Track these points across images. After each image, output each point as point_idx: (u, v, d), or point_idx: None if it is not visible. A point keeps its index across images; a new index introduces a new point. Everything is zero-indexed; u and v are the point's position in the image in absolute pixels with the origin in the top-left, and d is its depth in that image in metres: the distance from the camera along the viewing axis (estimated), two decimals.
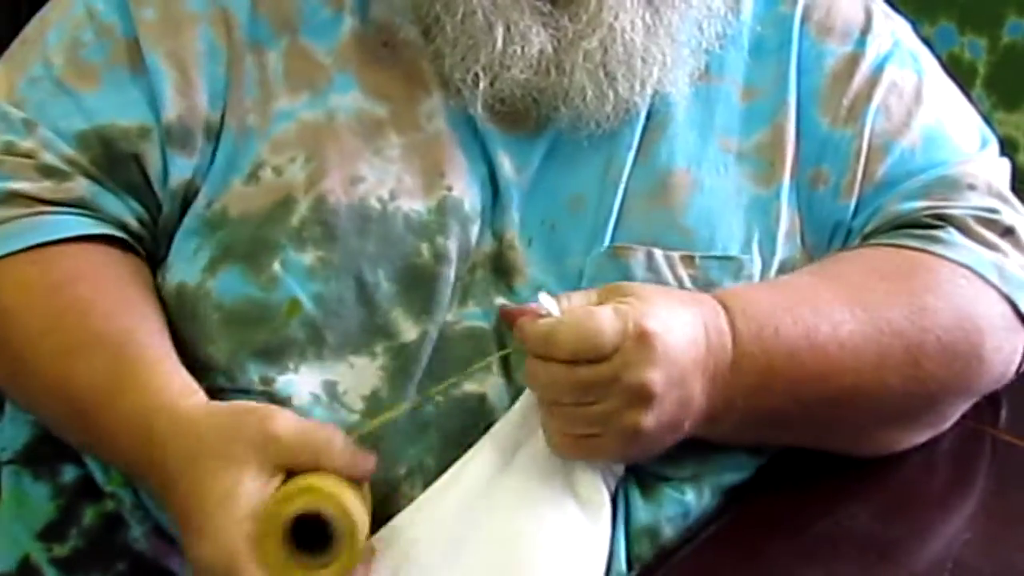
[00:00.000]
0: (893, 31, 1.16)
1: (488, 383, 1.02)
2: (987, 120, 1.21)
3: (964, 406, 1.11)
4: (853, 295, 1.04)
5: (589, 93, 1.04)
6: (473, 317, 1.04)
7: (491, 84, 1.03)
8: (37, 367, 1.01)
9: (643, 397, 0.94)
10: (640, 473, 1.03)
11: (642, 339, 0.94)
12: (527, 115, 1.06)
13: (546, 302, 0.96)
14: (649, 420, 0.95)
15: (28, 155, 1.04)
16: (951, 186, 1.11)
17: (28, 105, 1.06)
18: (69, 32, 1.07)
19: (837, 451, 1.08)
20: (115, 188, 1.05)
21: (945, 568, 1.00)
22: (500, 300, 1.05)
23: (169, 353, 1.00)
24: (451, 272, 1.03)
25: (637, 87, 1.05)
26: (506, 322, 1.02)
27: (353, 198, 1.03)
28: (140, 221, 1.05)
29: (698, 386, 0.97)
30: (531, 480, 0.98)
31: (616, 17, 1.04)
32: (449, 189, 1.04)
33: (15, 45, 1.11)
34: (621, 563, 1.02)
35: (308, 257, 1.02)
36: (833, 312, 1.03)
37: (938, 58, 1.20)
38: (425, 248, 1.03)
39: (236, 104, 1.05)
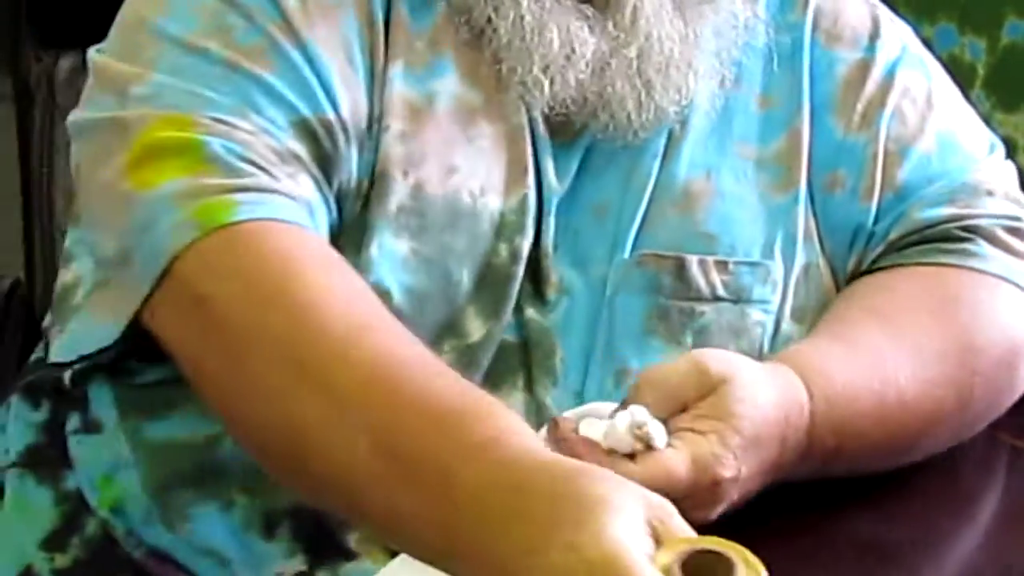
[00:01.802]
0: (900, 36, 1.17)
1: (512, 398, 1.02)
2: (986, 121, 1.21)
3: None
4: (911, 348, 1.05)
5: (629, 102, 1.04)
6: (508, 328, 1.04)
7: (551, 86, 1.03)
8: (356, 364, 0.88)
9: (701, 525, 0.93)
10: None
11: (713, 488, 0.93)
12: (569, 123, 1.06)
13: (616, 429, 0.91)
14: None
15: (252, 133, 0.96)
16: (972, 192, 1.13)
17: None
18: (201, 20, 1.00)
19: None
20: (327, 192, 0.99)
21: (946, 571, 1.00)
22: (531, 311, 1.04)
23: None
24: (521, 271, 1.03)
25: (674, 95, 1.06)
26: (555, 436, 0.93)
27: (448, 189, 1.02)
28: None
29: (759, 482, 0.97)
30: None
31: (652, 25, 1.04)
32: (528, 187, 1.04)
33: (116, 46, 1.03)
34: None
35: (403, 246, 1.01)
36: (899, 377, 1.03)
37: (938, 59, 1.21)
38: (504, 248, 1.03)
39: (374, 93, 1.02)
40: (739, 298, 1.07)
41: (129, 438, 1.04)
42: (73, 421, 1.07)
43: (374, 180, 1.01)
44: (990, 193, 1.14)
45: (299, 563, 1.01)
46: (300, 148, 0.98)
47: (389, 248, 1.01)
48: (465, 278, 1.02)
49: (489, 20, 1.04)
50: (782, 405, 0.98)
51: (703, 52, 1.08)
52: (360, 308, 0.92)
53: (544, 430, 0.95)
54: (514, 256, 1.03)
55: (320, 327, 0.89)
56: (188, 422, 1.02)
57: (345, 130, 1.00)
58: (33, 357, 1.14)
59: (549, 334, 1.05)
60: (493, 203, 1.03)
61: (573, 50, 1.03)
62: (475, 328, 1.02)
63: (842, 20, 1.16)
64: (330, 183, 1.00)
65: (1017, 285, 1.11)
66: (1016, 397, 1.11)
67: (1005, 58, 1.86)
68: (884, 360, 1.04)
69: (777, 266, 1.09)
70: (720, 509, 0.95)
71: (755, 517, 0.97)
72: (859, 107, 1.13)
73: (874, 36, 1.15)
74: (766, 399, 0.97)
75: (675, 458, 0.92)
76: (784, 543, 1.01)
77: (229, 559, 1.01)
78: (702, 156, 1.10)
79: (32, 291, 1.36)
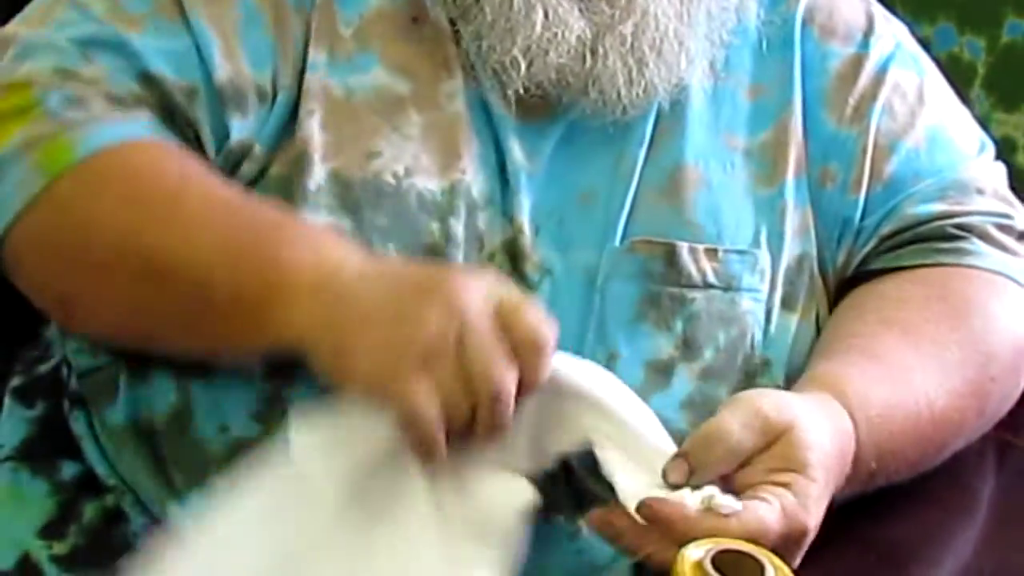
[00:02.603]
0: (894, 33, 1.18)
1: None
2: (986, 120, 1.22)
3: None
4: (935, 358, 1.06)
5: (620, 78, 1.05)
6: None
7: (528, 68, 1.03)
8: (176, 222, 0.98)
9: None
10: None
11: (801, 539, 0.94)
12: (544, 103, 1.06)
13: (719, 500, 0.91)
14: None
15: (91, 82, 1.01)
16: (962, 190, 1.14)
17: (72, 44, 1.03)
18: None
19: None
20: (175, 136, 1.03)
21: (945, 569, 1.00)
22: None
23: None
24: (459, 255, 1.03)
25: (665, 73, 1.06)
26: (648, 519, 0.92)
27: (368, 172, 1.03)
28: None
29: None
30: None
31: (651, 3, 1.05)
32: (463, 172, 1.04)
33: (25, 11, 1.08)
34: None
35: (321, 221, 1.02)
36: (928, 389, 1.04)
37: (936, 59, 1.22)
38: (436, 228, 1.03)
39: (285, 67, 1.04)
40: (729, 286, 1.08)
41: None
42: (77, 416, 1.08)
43: (295, 158, 1.03)
44: (980, 191, 1.15)
45: None
46: (145, 95, 1.02)
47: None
48: (392, 255, 1.02)
49: (476, 0, 1.04)
50: (838, 443, 0.98)
51: (695, 33, 1.08)
52: (192, 169, 1.00)
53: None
54: (448, 237, 1.03)
55: (153, 181, 0.99)
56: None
57: (220, 96, 1.03)
58: (28, 356, 1.14)
59: None
60: (420, 183, 1.04)
61: (555, 34, 1.03)
62: None
63: (837, 15, 1.16)
64: (190, 135, 1.03)
65: (1016, 281, 1.12)
66: (1018, 397, 1.12)
67: (1005, 57, 1.85)
68: (914, 377, 1.05)
69: (764, 255, 1.09)
70: (799, 558, 0.94)
71: None
72: (851, 101, 1.13)
73: (868, 32, 1.16)
74: (827, 440, 0.97)
75: (768, 511, 0.92)
76: None
77: None
78: (691, 145, 1.10)
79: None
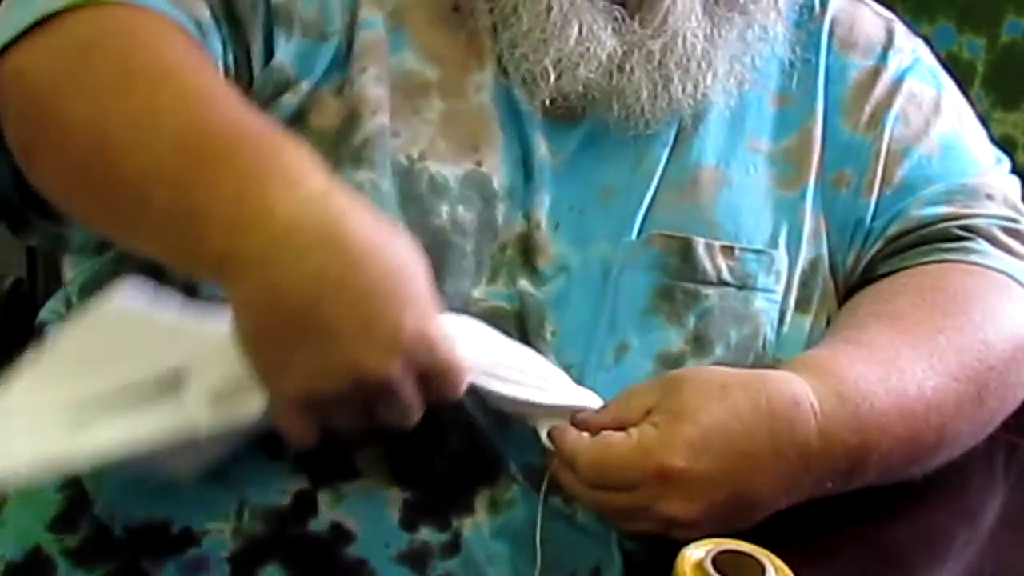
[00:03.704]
0: (914, 49, 1.20)
1: None
2: (986, 119, 1.22)
3: None
4: (927, 342, 1.05)
5: (644, 93, 1.06)
6: (499, 297, 1.05)
7: (558, 79, 1.05)
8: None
9: (680, 523, 0.95)
10: None
11: (662, 476, 0.94)
12: (577, 109, 1.08)
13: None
14: (696, 532, 0.94)
15: None
16: (971, 194, 1.15)
17: None
18: None
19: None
20: (225, 42, 1.03)
21: (947, 570, 1.01)
22: (524, 282, 1.05)
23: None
24: (468, 245, 1.04)
25: (690, 89, 1.07)
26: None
27: (384, 150, 1.04)
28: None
29: (766, 486, 0.97)
30: None
31: (680, 24, 1.06)
32: (478, 164, 1.06)
33: None
34: (615, 557, 1.03)
35: (362, 175, 1.02)
36: (916, 370, 1.03)
37: (937, 58, 1.22)
38: (445, 210, 1.04)
39: (336, 13, 1.06)
40: (744, 284, 1.08)
41: None
42: None
43: (348, 114, 1.03)
44: (990, 196, 1.16)
45: (303, 481, 1.02)
46: None
47: (349, 179, 1.02)
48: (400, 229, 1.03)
49: (515, 8, 1.06)
50: (759, 399, 0.97)
51: (725, 53, 1.09)
52: (195, 59, 0.98)
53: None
54: (455, 223, 1.04)
55: (145, 58, 0.96)
56: None
57: (275, 13, 1.04)
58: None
59: (541, 307, 1.05)
60: (434, 167, 1.05)
61: (588, 49, 1.05)
62: None
63: (857, 29, 1.18)
64: (243, 45, 1.04)
65: (1020, 283, 1.12)
66: (1022, 396, 1.11)
67: (1004, 56, 1.86)
68: (898, 356, 1.04)
69: (781, 257, 1.10)
70: (697, 508, 0.94)
71: None
72: (867, 109, 1.15)
73: (887, 46, 1.18)
74: (733, 393, 0.97)
75: (619, 440, 0.95)
76: (784, 541, 1.02)
77: (234, 479, 1.01)
78: (713, 147, 1.11)
79: (33, 291, 1.36)
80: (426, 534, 1.01)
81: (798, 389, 0.99)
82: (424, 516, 1.01)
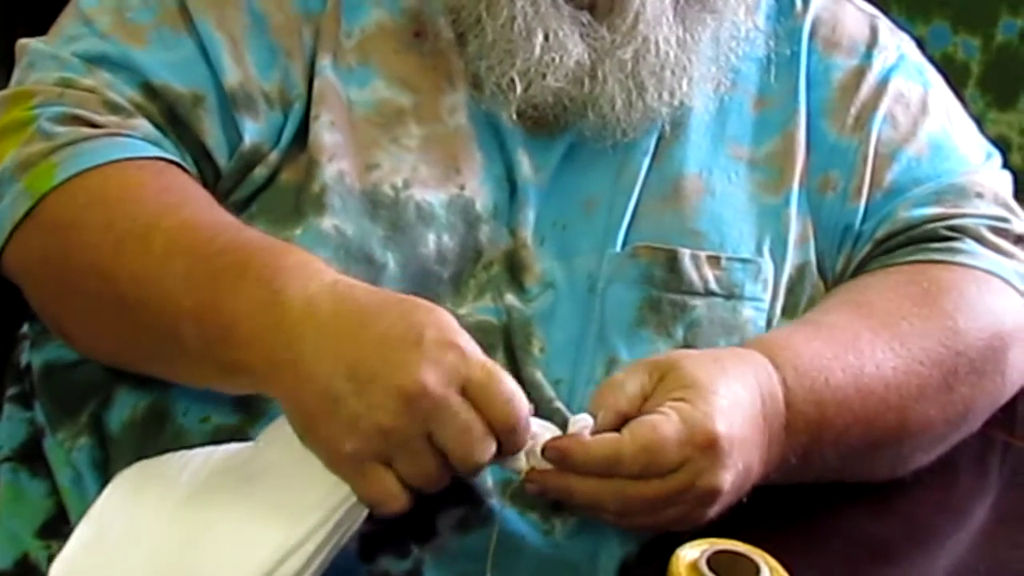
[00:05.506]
0: (899, 45, 1.19)
1: None
2: (980, 119, 1.22)
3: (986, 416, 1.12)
4: (889, 328, 1.05)
5: (618, 102, 1.05)
6: (486, 311, 1.05)
7: (526, 90, 1.04)
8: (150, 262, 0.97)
9: (713, 498, 0.94)
10: None
11: (711, 447, 0.93)
12: (551, 119, 1.07)
13: (580, 421, 0.94)
14: (715, 510, 0.95)
15: (91, 90, 1.03)
16: (960, 194, 1.14)
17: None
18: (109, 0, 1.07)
19: (870, 480, 1.07)
20: (177, 145, 1.04)
21: (938, 566, 1.00)
22: (511, 297, 1.05)
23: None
24: (445, 272, 1.04)
25: (665, 97, 1.07)
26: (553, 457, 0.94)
27: (367, 184, 1.04)
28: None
29: (757, 457, 0.97)
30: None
31: (651, 30, 1.05)
32: (461, 188, 1.05)
33: (51, 31, 1.10)
34: (613, 552, 1.02)
35: (326, 223, 1.02)
36: (875, 351, 1.03)
37: (930, 58, 1.22)
38: (432, 240, 1.04)
39: (296, 74, 1.06)
40: (731, 294, 1.08)
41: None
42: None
43: (306, 165, 1.03)
44: (979, 195, 1.15)
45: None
46: (146, 104, 1.03)
47: (312, 226, 1.02)
48: (391, 263, 1.03)
49: (478, 20, 1.05)
50: (743, 367, 0.98)
51: (700, 57, 1.09)
52: (173, 195, 1.00)
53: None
54: (439, 253, 1.04)
55: (129, 208, 0.99)
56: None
57: (232, 100, 1.04)
58: (23, 362, 1.14)
59: (529, 323, 1.05)
60: (419, 194, 1.04)
61: (554, 58, 1.04)
62: None
63: (840, 28, 1.17)
64: (196, 143, 1.04)
65: (1006, 280, 1.11)
66: (1010, 389, 1.11)
67: (999, 56, 1.86)
68: (858, 337, 1.04)
69: (767, 264, 1.10)
70: (729, 478, 0.94)
71: (749, 515, 0.98)
72: (852, 111, 1.14)
73: (871, 45, 1.17)
74: (729, 366, 0.97)
75: (661, 420, 0.93)
76: (777, 540, 1.02)
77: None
78: (694, 155, 1.10)
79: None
80: (385, 564, 0.99)
81: (766, 361, 0.99)
82: (382, 545, 1.00)
